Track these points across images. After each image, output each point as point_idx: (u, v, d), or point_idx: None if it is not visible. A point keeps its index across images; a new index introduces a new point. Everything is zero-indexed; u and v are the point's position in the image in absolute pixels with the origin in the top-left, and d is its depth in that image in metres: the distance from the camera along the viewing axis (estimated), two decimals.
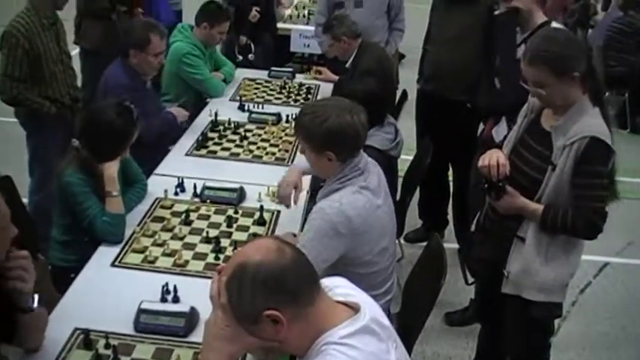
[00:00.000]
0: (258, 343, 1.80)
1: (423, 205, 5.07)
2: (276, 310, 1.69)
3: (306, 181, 3.44)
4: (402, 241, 4.68)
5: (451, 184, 4.98)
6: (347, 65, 4.97)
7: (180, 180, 3.56)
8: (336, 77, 5.38)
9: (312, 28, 6.46)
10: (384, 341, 1.79)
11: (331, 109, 2.69)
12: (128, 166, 3.41)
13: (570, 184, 2.64)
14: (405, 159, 4.41)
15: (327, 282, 1.92)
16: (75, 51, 5.66)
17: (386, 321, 1.89)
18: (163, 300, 2.64)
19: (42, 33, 4.22)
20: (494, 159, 2.72)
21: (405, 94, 5.26)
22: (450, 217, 5.01)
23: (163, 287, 2.67)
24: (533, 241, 2.76)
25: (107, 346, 2.37)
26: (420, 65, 4.79)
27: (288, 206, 3.25)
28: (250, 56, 6.49)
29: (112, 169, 3.10)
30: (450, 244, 4.64)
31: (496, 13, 3.41)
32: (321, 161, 2.75)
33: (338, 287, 1.93)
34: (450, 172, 4.97)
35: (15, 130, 4.64)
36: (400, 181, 4.32)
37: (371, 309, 1.86)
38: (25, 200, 4.18)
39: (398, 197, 4.24)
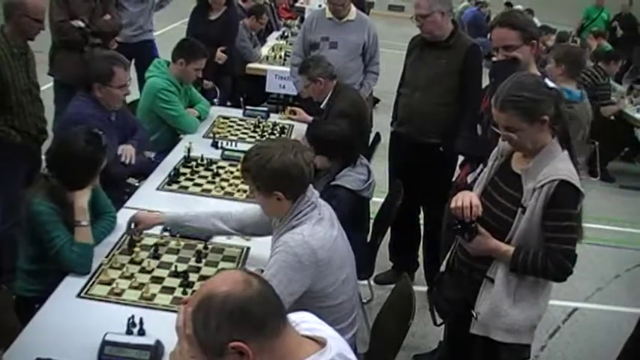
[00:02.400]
0: None
1: (393, 247, 5.07)
2: (241, 342, 1.67)
3: None
4: (372, 282, 4.68)
5: (422, 226, 4.99)
6: (322, 106, 5.01)
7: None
8: (310, 118, 5.41)
9: (287, 69, 6.51)
10: None
11: (274, 149, 2.73)
12: (97, 197, 3.38)
13: (540, 227, 2.67)
14: (377, 201, 4.43)
15: (293, 317, 1.92)
16: (48, 84, 5.66)
17: (352, 356, 1.90)
18: (129, 332, 2.59)
19: (11, 62, 4.21)
20: (467, 200, 2.75)
21: (378, 136, 5.30)
22: (420, 259, 5.01)
23: (129, 320, 2.63)
24: (502, 282, 2.77)
25: None
26: (394, 108, 4.84)
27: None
28: (215, 100, 6.50)
29: (82, 198, 3.08)
30: (420, 287, 4.67)
31: (494, 59, 3.44)
32: (270, 201, 2.78)
33: (304, 322, 1.93)
34: (422, 215, 4.98)
35: None
36: (371, 223, 4.33)
37: (337, 344, 1.86)
38: None
39: (369, 238, 4.25)
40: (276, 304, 1.77)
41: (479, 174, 3.10)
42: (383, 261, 4.92)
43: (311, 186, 2.87)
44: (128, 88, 4.16)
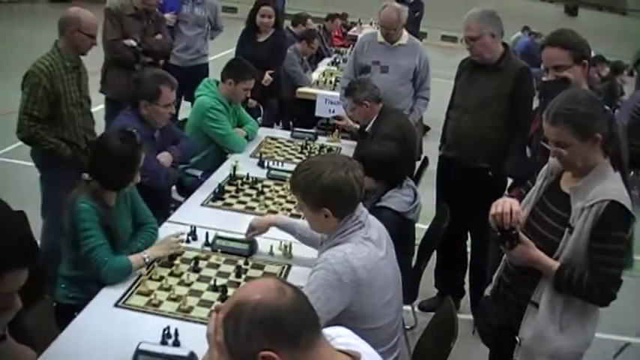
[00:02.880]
0: None
1: (439, 273, 4.97)
2: (272, 352, 1.61)
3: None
4: (416, 309, 4.59)
5: (469, 253, 4.88)
6: (367, 129, 4.96)
7: (193, 228, 3.52)
8: (354, 124, 5.41)
9: (337, 93, 6.50)
10: None
11: (325, 165, 2.69)
12: (138, 208, 3.42)
13: (587, 248, 2.56)
14: (422, 228, 4.35)
15: (328, 331, 1.86)
16: (100, 105, 5.74)
17: None
18: (163, 343, 2.57)
19: (64, 75, 4.28)
20: (507, 206, 2.65)
21: (426, 160, 5.23)
22: (466, 287, 4.90)
23: (164, 330, 2.60)
24: (547, 307, 2.67)
25: None
26: (442, 131, 4.77)
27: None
28: (259, 120, 6.52)
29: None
30: (465, 315, 4.55)
31: (544, 79, 3.37)
32: (318, 218, 2.73)
33: (340, 337, 1.86)
34: (469, 242, 4.88)
35: (30, 174, 4.64)
36: (416, 249, 4.25)
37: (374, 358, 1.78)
38: (38, 242, 4.18)
39: (414, 262, 4.17)
40: (310, 315, 1.71)
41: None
42: (428, 288, 4.82)
43: (361, 205, 2.81)
44: (172, 107, 4.21)
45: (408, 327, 4.32)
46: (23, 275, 1.90)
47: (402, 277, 2.99)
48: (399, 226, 3.68)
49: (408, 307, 4.32)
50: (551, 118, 2.59)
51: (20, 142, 4.44)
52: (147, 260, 3.14)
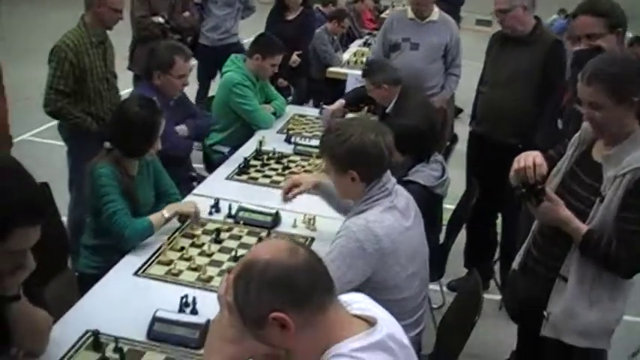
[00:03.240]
0: (264, 350, 1.68)
1: (468, 253, 4.88)
2: (283, 314, 1.57)
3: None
4: (444, 288, 4.51)
5: (499, 234, 4.78)
6: (387, 111, 4.84)
7: (216, 201, 3.48)
8: None
9: None
10: None
11: (355, 127, 2.61)
12: (160, 177, 3.40)
13: (616, 218, 2.46)
14: (450, 208, 4.26)
15: (345, 297, 1.80)
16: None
17: (406, 341, 1.74)
18: (181, 311, 2.53)
19: (90, 50, 4.27)
20: (529, 160, 2.56)
21: (455, 137, 5.12)
22: (497, 267, 4.81)
23: (182, 299, 2.56)
24: (576, 281, 2.57)
25: (116, 349, 2.27)
26: (473, 107, 4.67)
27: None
28: (289, 99, 6.46)
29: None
30: (494, 295, 4.46)
31: (576, 49, 3.24)
32: (344, 181, 2.65)
33: (356, 302, 1.79)
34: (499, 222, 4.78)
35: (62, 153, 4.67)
36: (445, 228, 4.16)
37: (390, 326, 1.71)
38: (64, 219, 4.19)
39: (442, 240, 4.09)
40: (324, 277, 1.65)
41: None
42: (457, 268, 4.73)
43: (388, 172, 2.72)
44: (186, 78, 4.16)
45: (435, 306, 4.25)
46: (34, 234, 1.87)
47: (429, 252, 2.92)
48: (427, 201, 3.58)
49: (436, 287, 4.25)
50: (586, 79, 2.47)
51: (52, 122, 4.44)
52: (166, 216, 3.11)
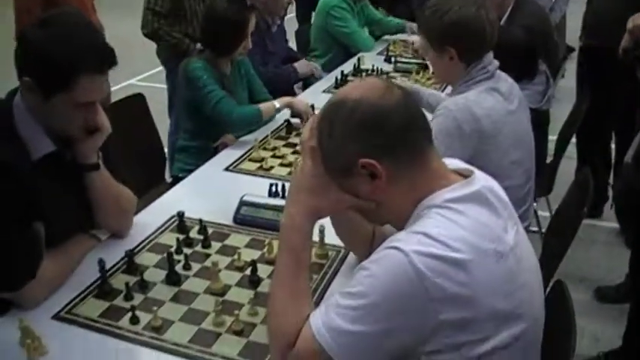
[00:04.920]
0: (350, 202, 1.49)
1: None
2: (373, 160, 1.38)
3: None
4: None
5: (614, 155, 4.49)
6: (501, 23, 4.58)
7: (312, 106, 3.38)
8: None
9: None
10: (501, 216, 1.43)
11: (454, 1, 2.40)
12: (253, 82, 3.33)
13: None
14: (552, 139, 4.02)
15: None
16: None
17: (507, 199, 1.53)
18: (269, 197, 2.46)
19: None
20: None
21: (570, 48, 4.79)
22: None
23: (271, 186, 2.50)
24: None
25: (200, 231, 2.22)
26: (583, 20, 4.36)
27: None
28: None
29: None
30: (609, 223, 4.21)
31: None
32: (442, 62, 2.46)
33: (452, 165, 1.58)
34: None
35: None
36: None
37: (487, 180, 1.51)
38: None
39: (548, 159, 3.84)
40: (420, 121, 1.44)
41: None
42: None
43: (490, 54, 2.51)
44: None
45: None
46: (101, 84, 1.82)
47: (536, 166, 2.71)
48: (533, 122, 3.36)
49: (546, 213, 4.03)
50: None
51: (154, 69, 4.46)
52: (277, 106, 3.12)
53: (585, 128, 3.90)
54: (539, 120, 3.58)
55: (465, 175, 1.49)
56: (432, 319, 1.30)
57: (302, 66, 4.30)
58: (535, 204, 3.71)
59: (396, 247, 1.31)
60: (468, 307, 1.31)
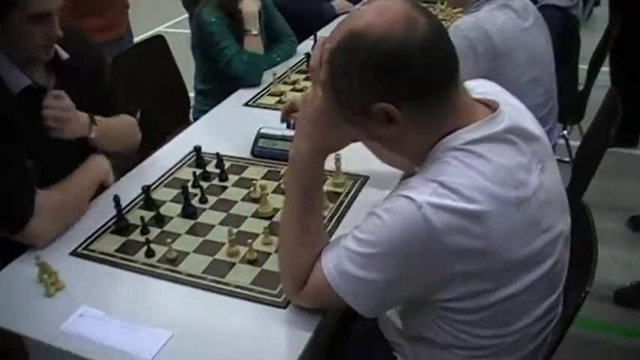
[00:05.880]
0: (363, 137, 1.43)
1: None
2: (391, 104, 1.24)
3: None
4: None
5: None
6: None
7: None
8: None
9: None
10: (524, 154, 1.32)
11: None
12: (272, 19, 3.24)
13: None
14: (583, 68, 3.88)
15: (470, 84, 1.47)
16: None
17: (538, 131, 1.41)
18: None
19: None
20: None
21: None
22: None
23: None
24: None
25: (218, 164, 2.20)
26: None
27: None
28: None
29: (251, 7, 2.93)
30: None
31: None
32: None
33: (479, 87, 1.48)
34: None
35: None
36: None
37: (516, 115, 1.38)
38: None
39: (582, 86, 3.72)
40: (447, 59, 1.27)
41: None
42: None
43: None
44: None
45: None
46: None
47: (568, 85, 2.61)
48: (564, 24, 3.23)
49: (576, 143, 3.93)
50: None
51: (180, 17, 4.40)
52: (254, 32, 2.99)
53: (617, 54, 3.77)
54: (571, 26, 3.42)
55: (491, 108, 1.37)
56: (445, 272, 1.25)
57: (339, 3, 4.17)
58: (566, 132, 3.64)
59: (409, 197, 1.23)
60: (483, 260, 1.25)
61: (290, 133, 2.30)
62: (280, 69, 3.09)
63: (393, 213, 1.25)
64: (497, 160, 1.26)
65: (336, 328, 1.67)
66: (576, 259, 1.53)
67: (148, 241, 1.79)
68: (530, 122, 1.40)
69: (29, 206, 1.81)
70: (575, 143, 3.58)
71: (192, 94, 3.42)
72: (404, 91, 1.24)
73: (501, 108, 1.34)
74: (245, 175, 2.17)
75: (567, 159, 3.50)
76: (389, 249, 1.26)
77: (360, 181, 2.08)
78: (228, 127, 2.58)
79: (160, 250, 1.78)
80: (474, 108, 1.34)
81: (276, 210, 1.93)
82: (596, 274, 1.53)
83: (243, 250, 1.76)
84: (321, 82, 1.34)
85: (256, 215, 1.94)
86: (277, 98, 2.77)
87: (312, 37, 3.38)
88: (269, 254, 1.75)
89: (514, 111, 1.39)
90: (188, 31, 3.96)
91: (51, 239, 1.86)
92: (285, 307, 1.56)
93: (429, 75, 1.23)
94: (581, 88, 3.61)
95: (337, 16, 4.06)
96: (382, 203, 1.30)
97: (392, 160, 1.90)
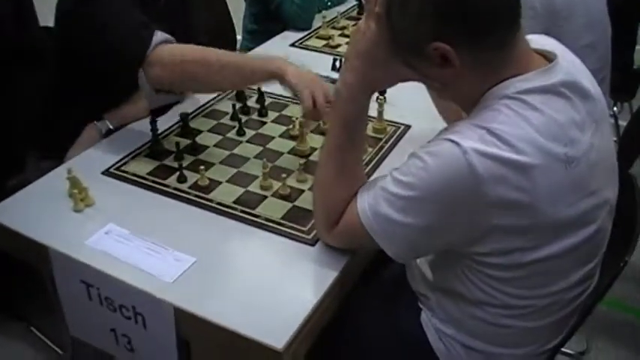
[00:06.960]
0: (413, 77, 1.34)
1: None
2: (448, 46, 1.18)
3: None
4: None
5: None
6: None
7: None
8: None
9: None
10: (579, 112, 1.26)
11: None
12: None
13: None
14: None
15: (530, 36, 1.36)
16: None
17: (595, 90, 1.34)
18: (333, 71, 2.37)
19: None
20: None
21: None
22: None
23: (335, 61, 2.42)
24: None
25: (259, 100, 2.16)
26: None
27: None
28: None
29: None
30: None
31: None
32: None
33: (540, 39, 1.41)
34: None
35: None
36: None
37: (573, 70, 1.32)
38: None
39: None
40: (511, 2, 1.22)
41: None
42: None
43: None
44: None
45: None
46: None
47: (621, 68, 2.50)
48: None
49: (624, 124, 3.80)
50: None
51: None
52: None
53: None
54: None
55: (548, 59, 1.31)
56: (484, 223, 1.21)
57: None
58: (616, 110, 3.52)
59: (454, 142, 1.17)
60: (525, 215, 1.19)
61: (335, 75, 2.25)
62: (331, 13, 3.02)
63: (437, 156, 1.20)
64: (551, 114, 1.21)
65: (362, 271, 1.63)
66: (618, 234, 1.47)
67: (180, 167, 1.77)
68: (587, 80, 1.34)
69: (148, 37, 1.80)
70: (623, 123, 3.47)
71: (239, 37, 3.38)
72: (462, 33, 1.18)
73: (559, 60, 1.28)
74: (285, 112, 2.13)
75: (615, 138, 3.39)
76: (428, 193, 1.22)
77: (402, 129, 2.02)
78: None
79: (192, 177, 1.75)
80: (531, 57, 1.29)
81: (314, 149, 1.89)
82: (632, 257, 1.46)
83: (276, 184, 1.72)
84: (376, 14, 1.28)
85: (293, 152, 1.90)
86: (325, 42, 2.71)
87: None
88: (302, 191, 1.71)
89: (572, 67, 1.33)
90: None
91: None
92: (313, 245, 1.53)
93: (491, 19, 1.18)
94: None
95: None
96: (426, 146, 1.25)
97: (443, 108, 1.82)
